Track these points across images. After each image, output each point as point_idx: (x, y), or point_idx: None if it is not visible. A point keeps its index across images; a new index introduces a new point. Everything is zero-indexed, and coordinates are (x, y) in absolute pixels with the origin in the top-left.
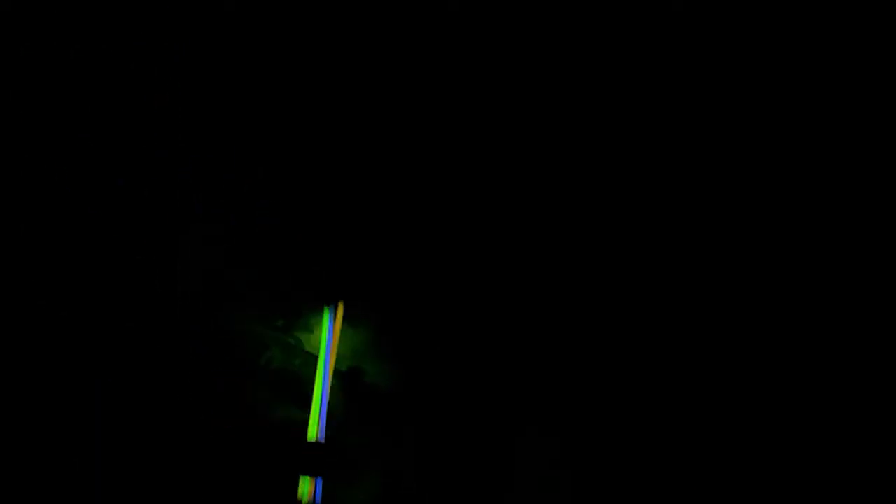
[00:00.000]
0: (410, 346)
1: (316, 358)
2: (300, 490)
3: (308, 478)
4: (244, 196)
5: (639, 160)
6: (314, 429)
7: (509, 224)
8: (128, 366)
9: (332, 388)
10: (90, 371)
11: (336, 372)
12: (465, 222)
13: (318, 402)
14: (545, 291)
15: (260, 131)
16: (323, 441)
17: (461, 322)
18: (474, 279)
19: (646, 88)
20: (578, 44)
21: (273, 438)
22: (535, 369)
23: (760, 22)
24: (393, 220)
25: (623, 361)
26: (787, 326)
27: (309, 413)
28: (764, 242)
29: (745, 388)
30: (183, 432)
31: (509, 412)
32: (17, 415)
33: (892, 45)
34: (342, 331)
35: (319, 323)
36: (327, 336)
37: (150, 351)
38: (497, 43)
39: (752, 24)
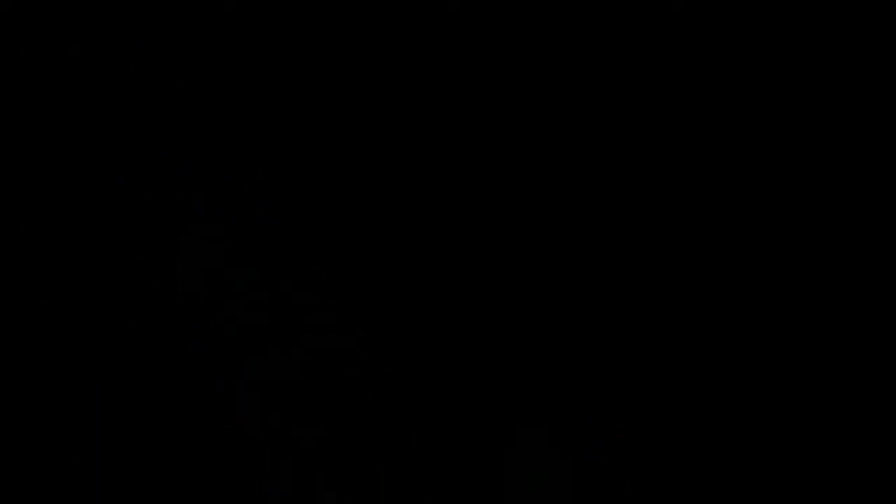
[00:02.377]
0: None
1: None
2: None
3: None
4: (244, 196)
5: (637, 160)
6: None
7: (504, 223)
8: (127, 366)
9: None
10: (90, 371)
11: None
12: (463, 221)
13: None
14: (539, 289)
15: (260, 131)
16: None
17: (455, 320)
18: (472, 278)
19: (646, 88)
20: (578, 43)
21: (273, 438)
22: (530, 367)
23: (761, 22)
24: (392, 218)
25: (621, 359)
26: (786, 322)
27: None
28: (764, 240)
29: (744, 385)
30: (183, 433)
31: (499, 410)
32: (16, 415)
33: (892, 45)
34: None
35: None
36: None
37: (150, 351)
38: (497, 43)
39: (752, 24)
